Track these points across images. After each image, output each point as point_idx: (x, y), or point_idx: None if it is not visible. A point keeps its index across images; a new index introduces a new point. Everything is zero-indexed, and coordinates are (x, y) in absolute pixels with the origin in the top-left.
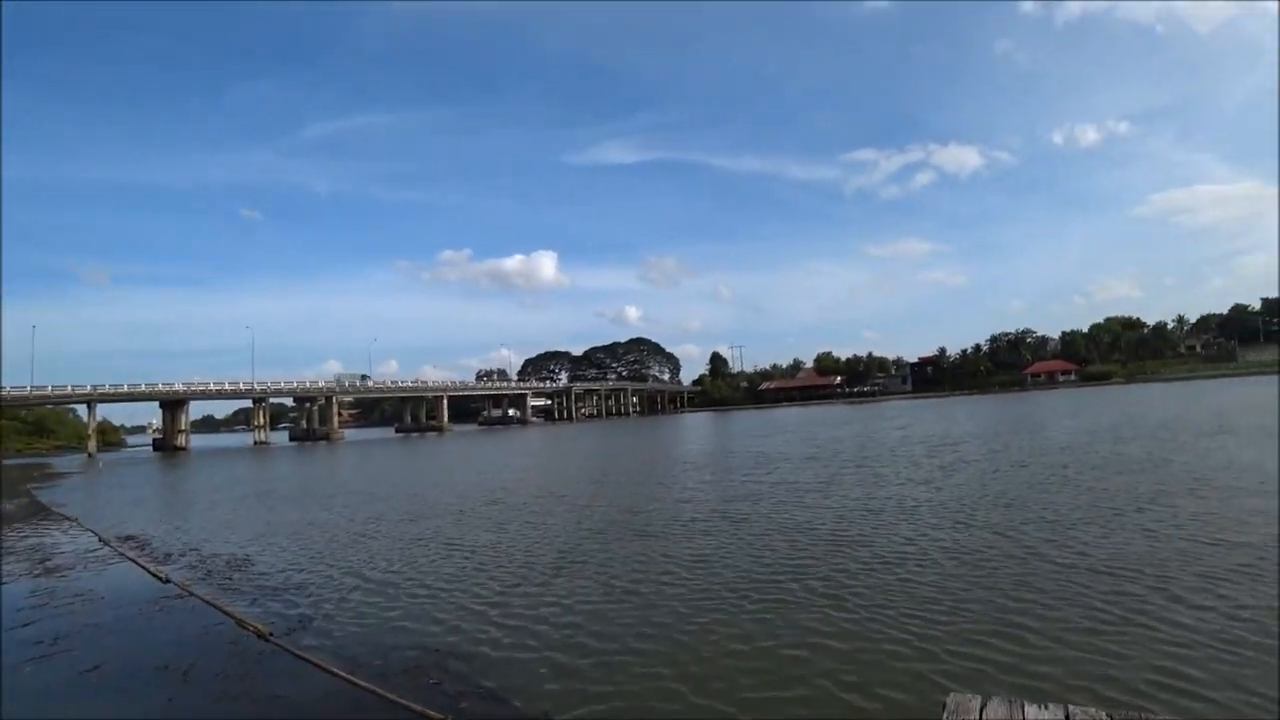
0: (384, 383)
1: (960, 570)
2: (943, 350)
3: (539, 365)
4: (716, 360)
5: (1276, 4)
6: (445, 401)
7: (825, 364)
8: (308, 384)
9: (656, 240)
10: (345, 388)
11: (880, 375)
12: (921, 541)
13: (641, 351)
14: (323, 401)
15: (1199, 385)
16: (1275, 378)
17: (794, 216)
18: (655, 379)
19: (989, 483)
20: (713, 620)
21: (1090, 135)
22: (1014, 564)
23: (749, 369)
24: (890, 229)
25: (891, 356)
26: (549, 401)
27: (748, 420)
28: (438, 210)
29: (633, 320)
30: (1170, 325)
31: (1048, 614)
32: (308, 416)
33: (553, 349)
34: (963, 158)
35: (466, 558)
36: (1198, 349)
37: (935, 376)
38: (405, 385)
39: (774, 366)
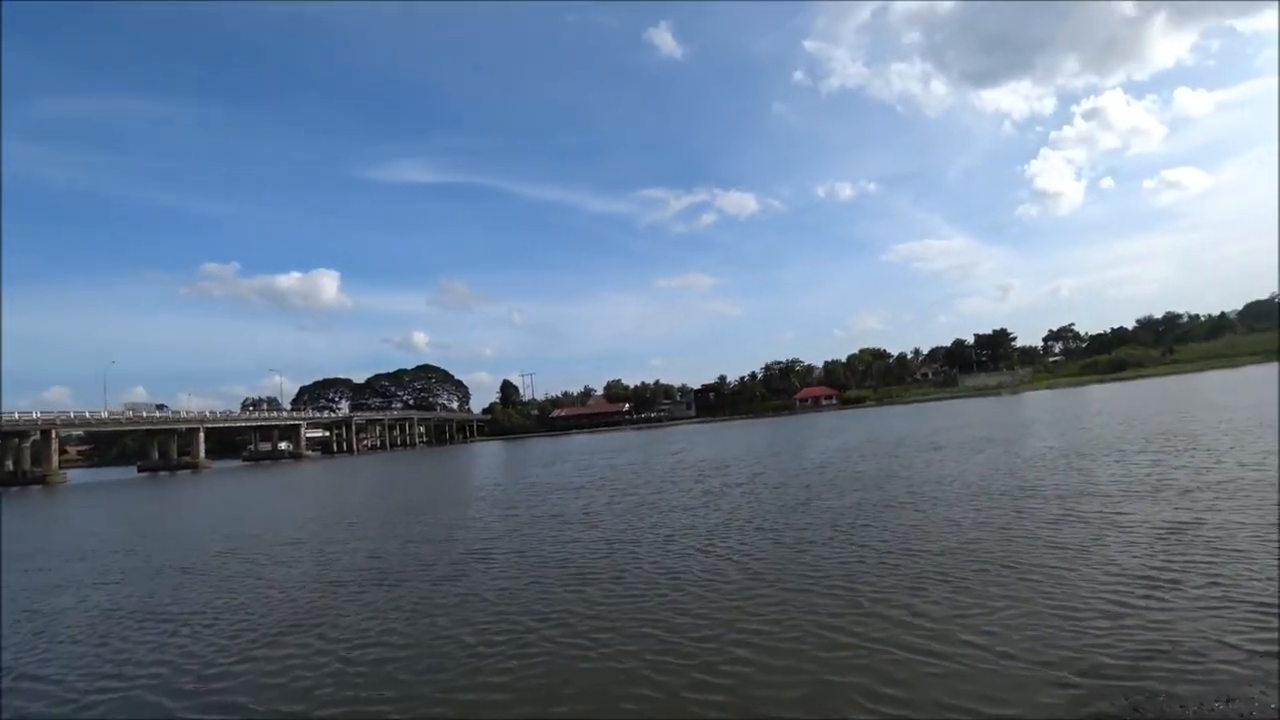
0: (122, 413)
1: (689, 601)
2: (723, 378)
3: (317, 394)
4: (507, 388)
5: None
6: (202, 434)
7: (615, 391)
8: (16, 416)
9: (451, 264)
10: (71, 419)
11: (666, 401)
12: (664, 575)
13: (430, 379)
14: (37, 435)
15: (929, 406)
16: (985, 398)
17: (590, 247)
18: (444, 407)
19: (741, 507)
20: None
21: (847, 191)
22: (733, 592)
23: (541, 397)
24: (678, 263)
25: (677, 383)
26: (327, 433)
27: (536, 448)
28: (202, 217)
29: (421, 346)
30: (909, 356)
31: (759, 643)
32: (16, 455)
33: (333, 376)
34: (743, 202)
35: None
36: (929, 375)
37: (717, 402)
38: (152, 416)
39: (565, 394)
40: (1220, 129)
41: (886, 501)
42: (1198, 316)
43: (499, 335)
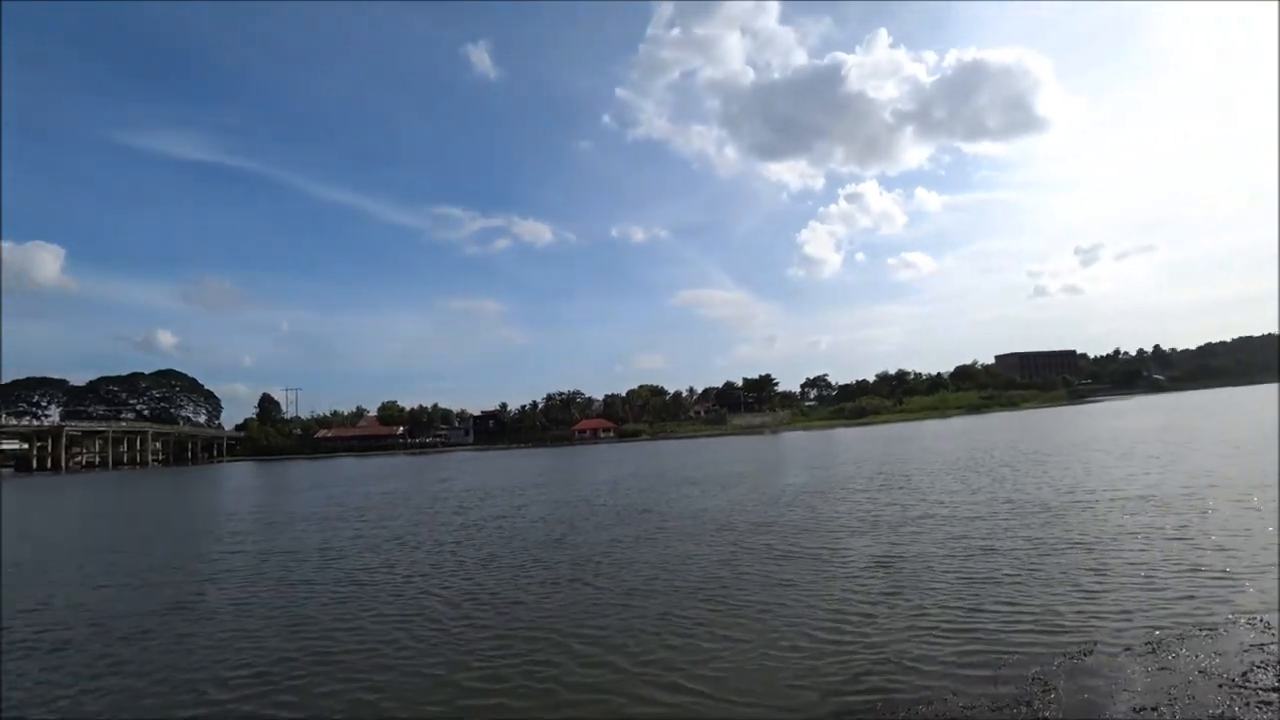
0: None
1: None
2: (504, 405)
3: (15, 395)
4: (267, 403)
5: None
6: None
7: (390, 413)
8: None
9: (214, 257)
10: None
11: (444, 427)
12: (393, 623)
13: (174, 387)
14: None
15: (700, 442)
16: (750, 437)
17: (376, 258)
18: (189, 421)
19: (495, 542)
20: None
21: (640, 235)
22: (456, 645)
23: (307, 415)
24: (468, 286)
25: (457, 408)
26: (24, 445)
27: (294, 472)
28: None
29: (167, 348)
30: (685, 394)
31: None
32: None
33: (43, 375)
34: (539, 232)
35: None
36: (702, 413)
37: (496, 430)
38: None
39: (335, 413)
40: (946, 224)
41: (640, 536)
42: (921, 374)
43: (264, 343)
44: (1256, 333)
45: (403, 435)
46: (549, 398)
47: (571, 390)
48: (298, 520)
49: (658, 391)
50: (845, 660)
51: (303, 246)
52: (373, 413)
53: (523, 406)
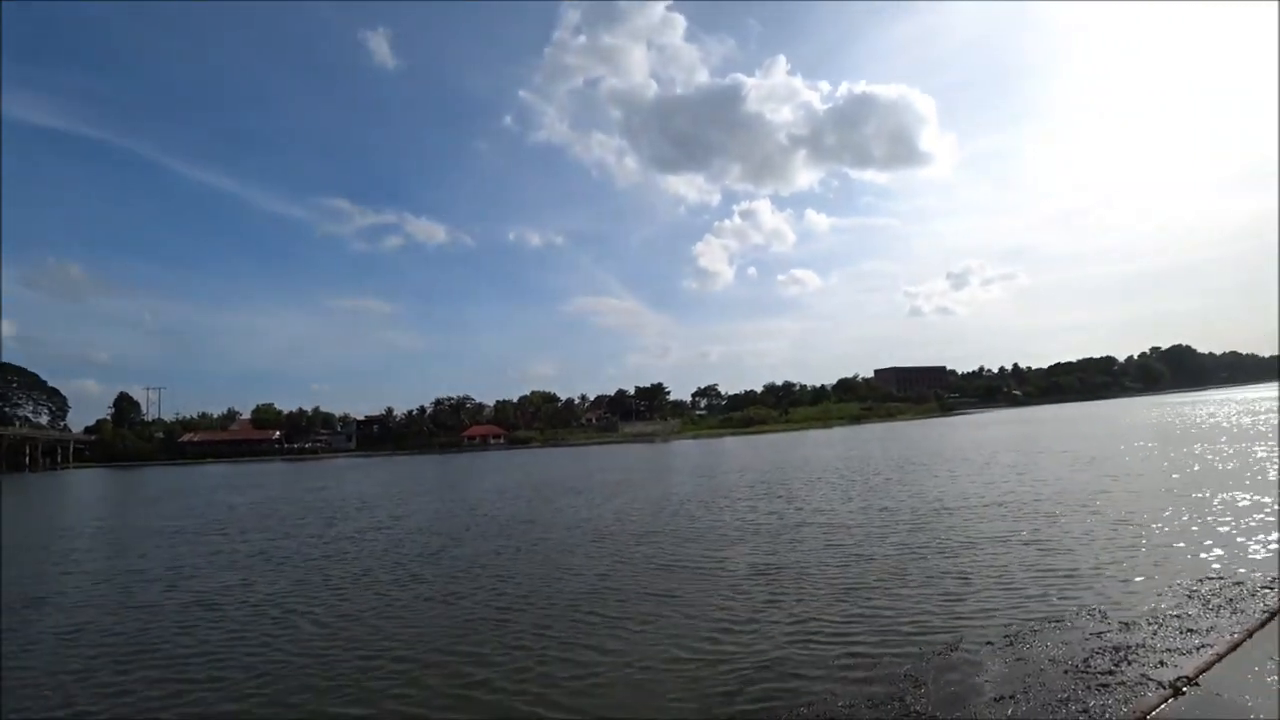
0: None
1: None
2: (390, 410)
3: None
4: (125, 403)
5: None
6: None
7: (265, 416)
8: None
9: (62, 239)
10: None
11: (325, 432)
12: (238, 643)
13: (10, 383)
14: None
15: (591, 449)
16: (640, 444)
17: (253, 249)
18: (28, 422)
19: (367, 556)
20: None
21: (536, 240)
22: (310, 679)
23: (171, 417)
24: (354, 284)
25: (340, 413)
26: None
27: (152, 480)
28: None
29: (5, 338)
30: (577, 401)
31: None
32: None
33: None
34: (432, 231)
35: None
36: (594, 421)
37: (381, 435)
38: None
39: (203, 415)
40: (832, 245)
41: (522, 547)
42: (806, 386)
43: (121, 337)
44: (1095, 355)
45: (279, 440)
46: (438, 403)
47: (462, 395)
48: (148, 535)
49: (550, 398)
50: (726, 670)
51: (170, 232)
52: (246, 416)
53: (410, 412)
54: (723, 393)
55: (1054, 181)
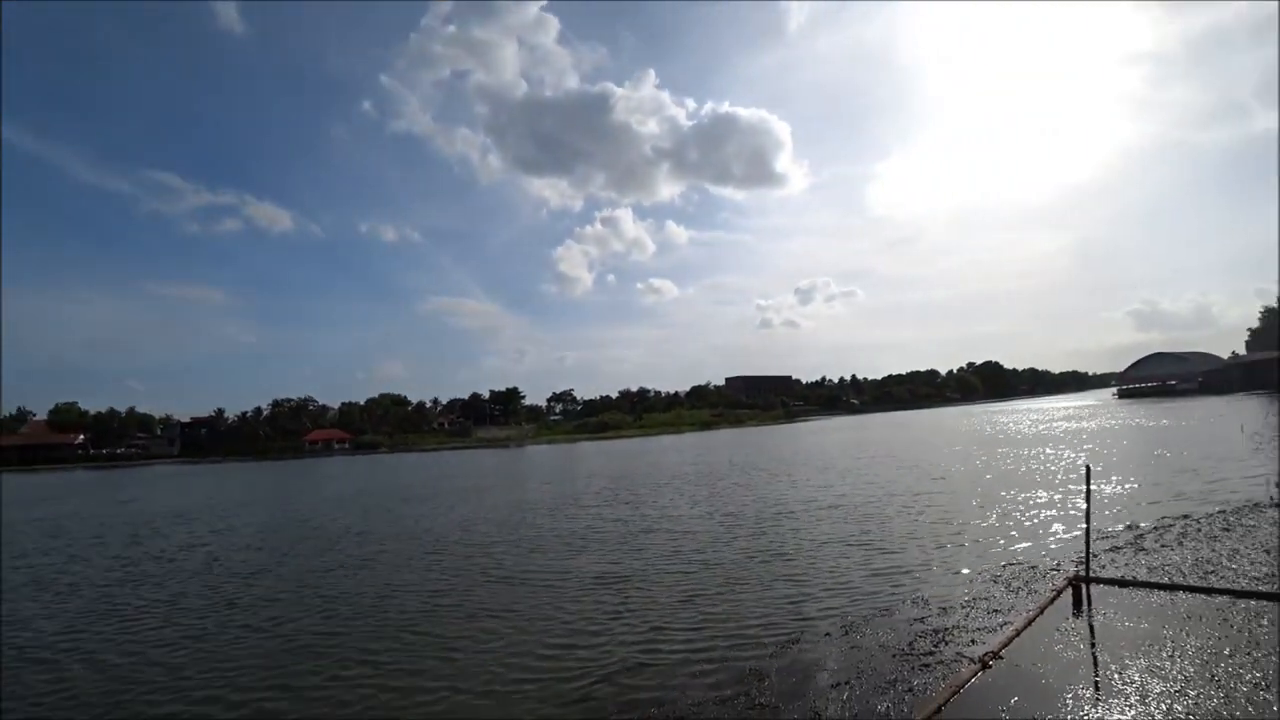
0: None
1: None
2: (220, 412)
3: None
4: None
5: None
6: None
7: (65, 417)
8: None
9: None
10: None
11: (142, 436)
12: None
13: None
14: None
15: (443, 455)
16: (495, 450)
17: (63, 224)
18: None
19: (166, 582)
20: None
21: (391, 234)
22: None
23: None
24: (182, 269)
25: (161, 414)
26: None
27: None
28: None
29: None
30: (429, 405)
31: None
32: None
33: None
34: (276, 217)
35: None
36: (446, 425)
37: (210, 440)
38: None
39: None
40: (690, 256)
41: (357, 563)
42: (661, 392)
43: None
44: (922, 368)
45: (83, 445)
46: (276, 404)
47: (303, 397)
48: None
49: (400, 401)
50: (568, 684)
51: None
52: (41, 416)
53: (244, 414)
54: (579, 398)
55: (890, 212)
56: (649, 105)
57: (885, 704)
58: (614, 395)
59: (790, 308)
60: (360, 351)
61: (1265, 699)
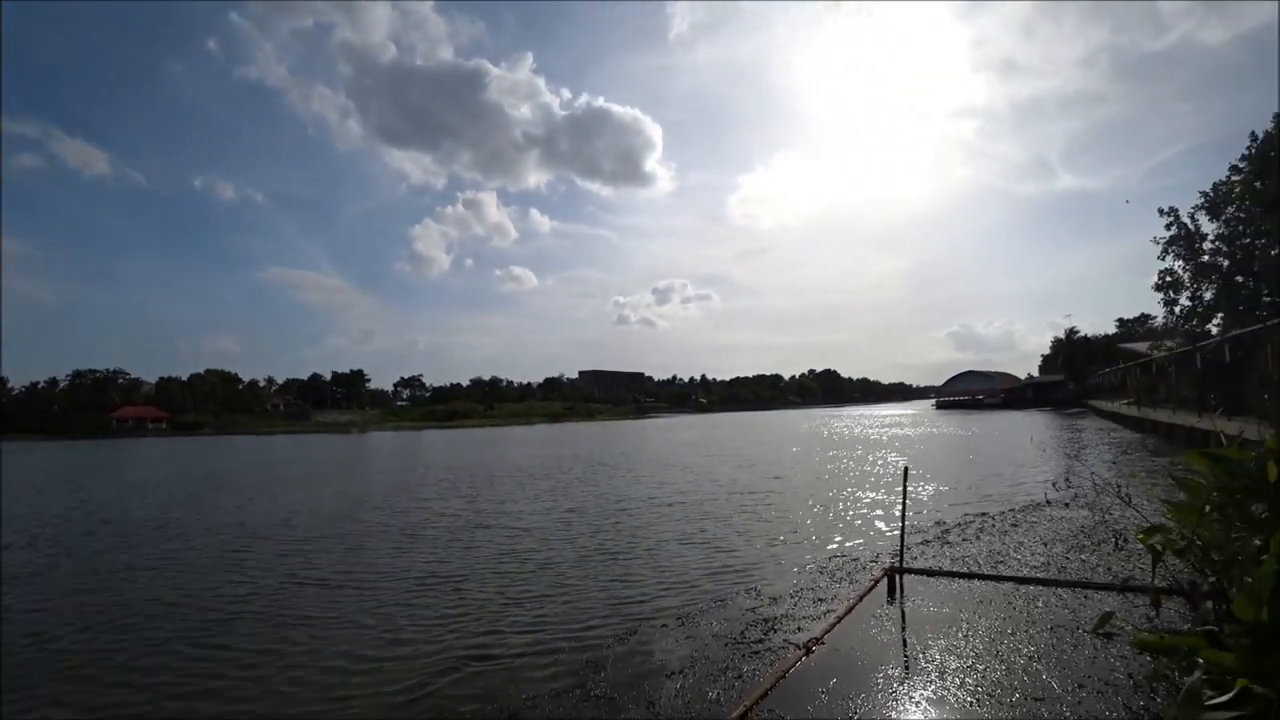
0: None
1: None
2: (3, 381)
3: None
4: None
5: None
6: None
7: None
8: None
9: None
10: None
11: None
12: None
13: None
14: None
15: (275, 439)
16: (335, 435)
17: None
18: None
19: None
20: None
21: (229, 193)
22: None
23: None
24: None
25: None
26: None
27: None
28: None
29: None
30: (263, 384)
31: None
32: None
33: None
34: (90, 158)
35: None
36: (281, 407)
37: None
38: None
39: None
40: (552, 247)
41: (151, 563)
42: (513, 383)
43: None
44: (767, 372)
45: None
46: (78, 375)
47: (113, 369)
48: None
49: (230, 379)
50: (391, 692)
51: None
52: None
53: (35, 384)
54: (428, 384)
55: (748, 223)
56: (524, 89)
57: (716, 690)
58: (465, 383)
59: (647, 306)
60: (185, 321)
61: (1037, 669)
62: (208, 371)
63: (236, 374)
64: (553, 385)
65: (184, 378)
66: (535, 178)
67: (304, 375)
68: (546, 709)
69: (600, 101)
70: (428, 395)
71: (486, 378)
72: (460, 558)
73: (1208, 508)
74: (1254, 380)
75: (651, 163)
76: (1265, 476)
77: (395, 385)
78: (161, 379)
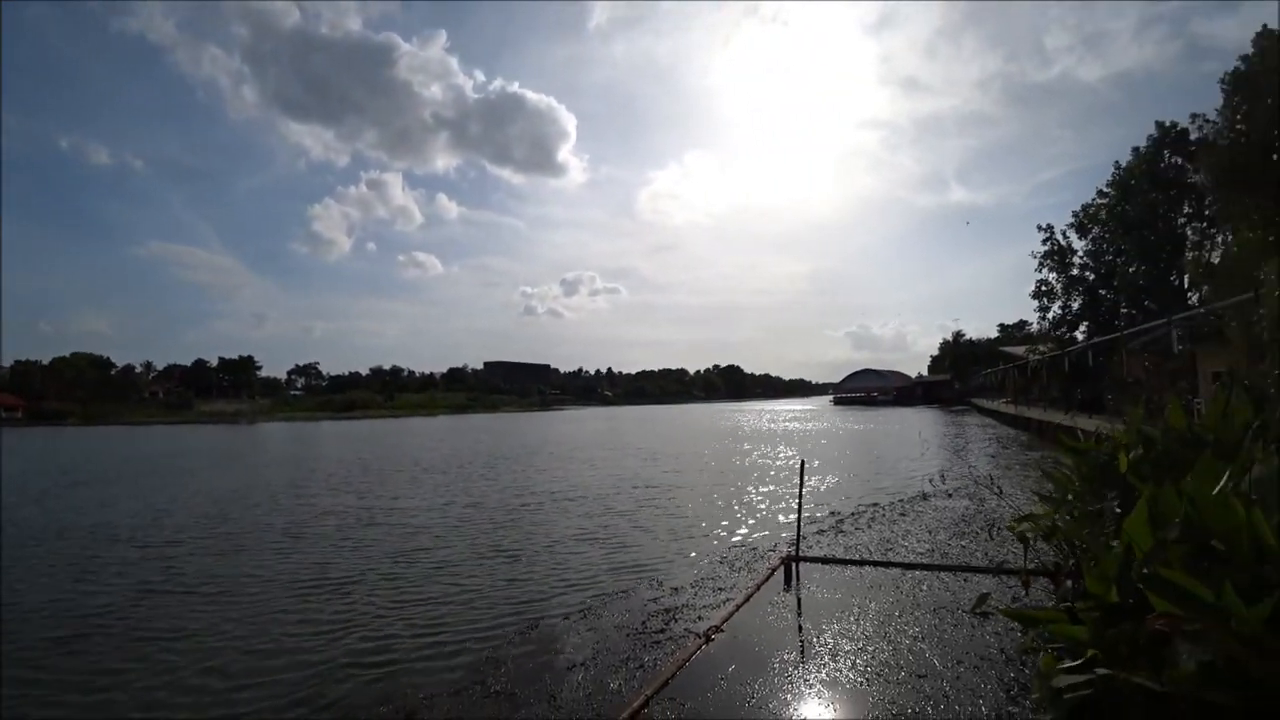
0: None
1: None
2: None
3: None
4: None
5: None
6: None
7: None
8: None
9: None
10: None
11: None
12: None
13: None
14: None
15: (152, 430)
16: (221, 426)
17: None
18: None
19: None
20: None
21: (104, 156)
22: None
23: None
24: None
25: None
26: None
27: None
28: None
29: None
30: (139, 369)
31: None
32: None
33: None
34: None
35: None
36: (161, 395)
37: None
38: None
39: None
40: (459, 234)
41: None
42: (416, 373)
43: None
44: (673, 366)
45: None
46: None
47: None
48: None
49: (101, 363)
50: (278, 704)
51: None
52: None
53: None
54: (325, 373)
55: (657, 218)
56: (435, 68)
57: (618, 681)
58: (365, 373)
59: (555, 298)
60: (46, 298)
61: (921, 648)
62: (74, 355)
63: (109, 358)
64: (457, 376)
65: (45, 362)
66: (444, 161)
67: (187, 361)
68: (444, 708)
69: (515, 87)
70: (324, 384)
71: (387, 367)
72: (349, 559)
73: (1070, 496)
74: (1109, 382)
75: (565, 153)
76: (1117, 468)
77: (289, 373)
78: (18, 363)
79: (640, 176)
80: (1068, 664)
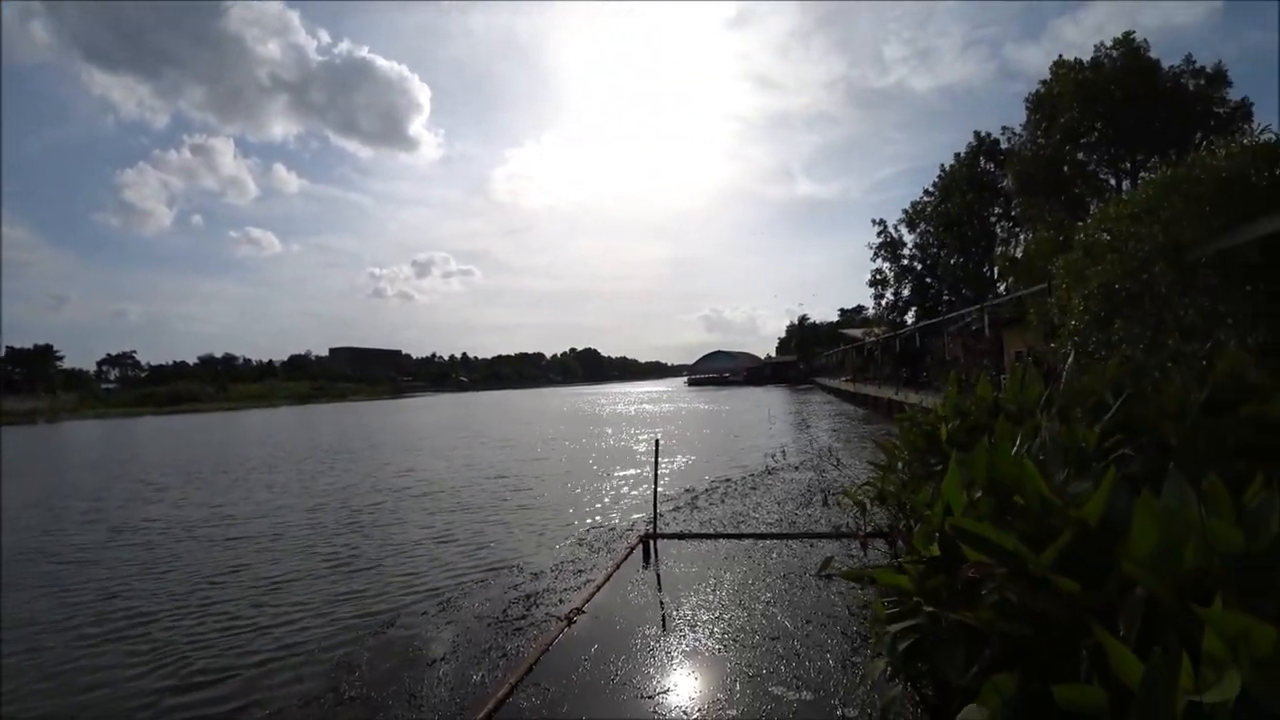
0: None
1: None
2: None
3: None
4: None
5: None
6: None
7: None
8: None
9: None
10: None
11: None
12: None
13: None
14: None
15: None
16: (17, 427)
17: None
18: None
19: None
20: None
21: None
22: None
23: None
24: None
25: None
26: None
27: None
28: None
29: None
30: None
31: None
32: None
33: None
34: None
35: None
36: None
37: None
38: None
39: None
40: (299, 210)
41: None
42: (252, 361)
43: None
44: (529, 350)
45: None
46: None
47: None
48: None
49: None
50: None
51: None
52: None
53: None
54: (144, 363)
55: (513, 199)
56: (273, 23)
57: (481, 672)
58: (192, 362)
59: (406, 279)
60: None
61: (773, 612)
62: None
63: None
64: (299, 364)
65: None
66: (283, 128)
67: None
68: (293, 718)
69: (364, 52)
70: (144, 376)
71: (219, 355)
72: (173, 569)
73: (900, 465)
74: (932, 361)
75: (417, 126)
76: (938, 437)
77: (100, 364)
78: None
79: (495, 155)
80: (897, 609)
